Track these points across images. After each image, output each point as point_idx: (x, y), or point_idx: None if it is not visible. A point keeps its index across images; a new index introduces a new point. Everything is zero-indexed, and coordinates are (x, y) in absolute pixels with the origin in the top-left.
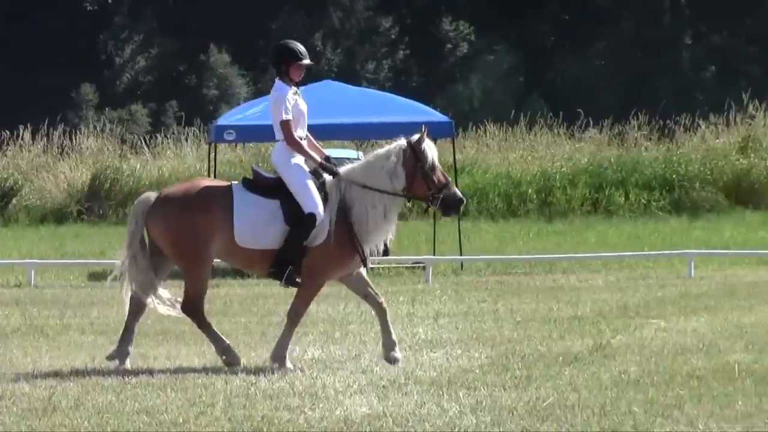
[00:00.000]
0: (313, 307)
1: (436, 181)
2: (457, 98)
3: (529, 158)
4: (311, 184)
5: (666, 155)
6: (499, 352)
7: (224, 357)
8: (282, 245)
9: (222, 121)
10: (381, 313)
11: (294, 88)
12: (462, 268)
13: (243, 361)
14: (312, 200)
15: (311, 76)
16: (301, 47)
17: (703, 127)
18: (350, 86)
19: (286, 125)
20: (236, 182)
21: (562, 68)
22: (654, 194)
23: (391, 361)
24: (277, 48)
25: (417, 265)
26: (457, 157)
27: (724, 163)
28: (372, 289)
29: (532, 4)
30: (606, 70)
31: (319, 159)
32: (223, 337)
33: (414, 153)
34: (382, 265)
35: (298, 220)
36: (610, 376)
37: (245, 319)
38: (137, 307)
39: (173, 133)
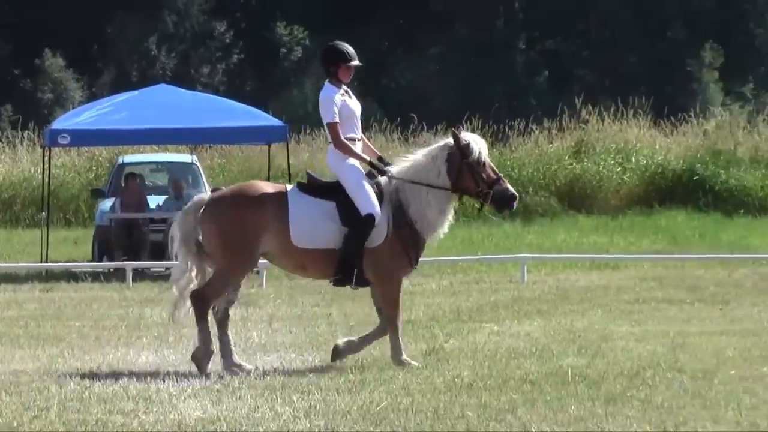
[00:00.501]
0: (147, 311)
1: (485, 177)
2: (291, 103)
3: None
4: (367, 184)
5: (500, 160)
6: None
7: (199, 358)
8: (342, 248)
9: (56, 125)
10: (381, 330)
11: (343, 89)
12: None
13: (77, 366)
14: (369, 200)
15: (146, 79)
16: (349, 48)
17: (536, 131)
18: (184, 90)
19: (332, 127)
20: (290, 185)
21: (396, 73)
22: None
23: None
24: (326, 50)
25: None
26: (291, 161)
27: (557, 168)
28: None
29: (366, 9)
30: (440, 75)
31: (368, 159)
32: (212, 340)
33: (459, 149)
34: None
35: (356, 221)
36: (444, 380)
37: (79, 323)
38: (223, 316)
39: (8, 137)
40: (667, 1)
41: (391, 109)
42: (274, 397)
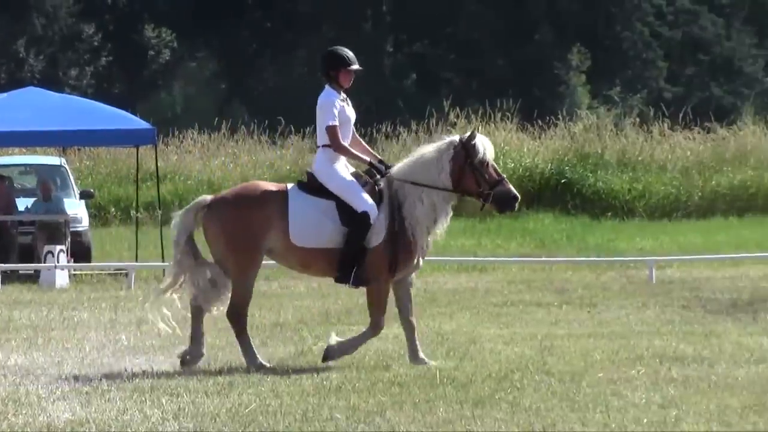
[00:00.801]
0: (15, 313)
1: (487, 177)
2: (159, 105)
3: (231, 165)
4: (356, 183)
5: None
6: (202, 358)
7: (253, 366)
8: (343, 247)
9: None
10: (410, 329)
11: (343, 95)
12: (164, 275)
13: None
14: (361, 199)
15: (14, 82)
16: (349, 53)
17: (404, 134)
18: (53, 93)
19: (332, 130)
20: (291, 184)
21: (264, 75)
22: None
23: (419, 362)
24: (326, 54)
25: (119, 271)
26: (159, 164)
27: None
28: (410, 306)
29: (234, 11)
30: (307, 78)
31: (368, 159)
32: (256, 354)
33: (464, 148)
34: (84, 272)
35: (353, 220)
36: (312, 383)
37: None
38: (198, 311)
39: None
40: (534, 4)
41: (259, 112)
42: (143, 399)
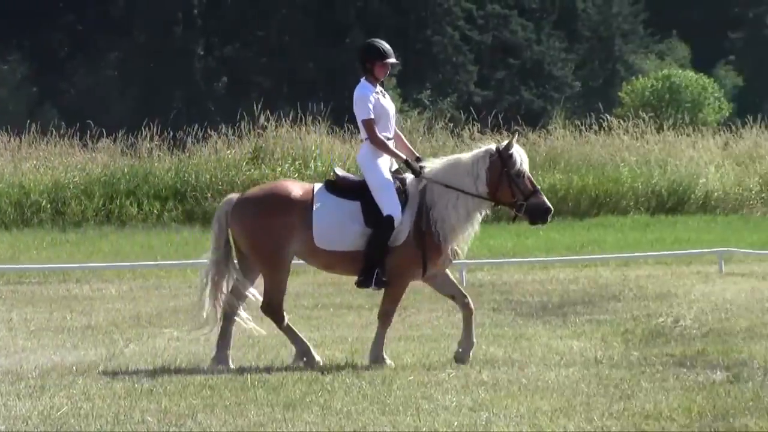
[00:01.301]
0: None
1: (522, 188)
2: None
3: (42, 168)
4: (392, 185)
5: (178, 166)
6: (12, 361)
7: (304, 359)
8: (365, 250)
9: None
10: (467, 313)
11: (379, 88)
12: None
13: None
14: (391, 201)
15: None
16: (386, 46)
17: (215, 137)
18: None
19: (368, 124)
20: (319, 184)
21: (75, 78)
22: (167, 204)
23: (461, 360)
24: (363, 47)
25: None
26: None
27: (235, 173)
28: (459, 289)
29: (47, 14)
30: (119, 81)
31: (404, 157)
32: (303, 339)
33: (501, 158)
34: None
35: (378, 221)
36: (124, 386)
37: None
38: (231, 310)
39: None
40: (345, 7)
41: (70, 115)
42: None
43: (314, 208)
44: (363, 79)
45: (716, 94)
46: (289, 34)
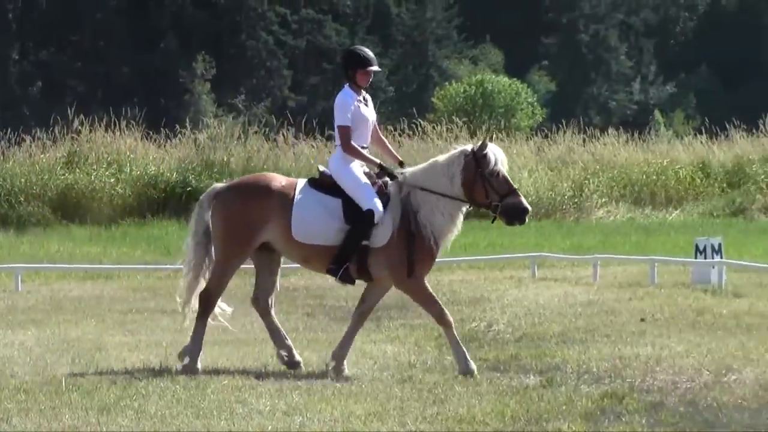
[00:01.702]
0: None
1: (497, 188)
2: None
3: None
4: (366, 182)
5: None
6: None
7: (186, 358)
8: (342, 241)
9: None
10: (355, 324)
11: (362, 96)
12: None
13: None
14: (369, 197)
15: None
16: (368, 54)
17: (29, 141)
18: None
19: (342, 130)
20: (303, 179)
21: None
22: None
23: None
24: (345, 54)
25: None
26: None
27: (49, 178)
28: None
29: None
30: None
31: (378, 162)
32: (201, 344)
33: (475, 158)
34: None
35: (358, 218)
36: None
37: None
38: (264, 307)
39: None
40: (160, 12)
41: None
42: None
43: (295, 200)
44: (346, 86)
45: (529, 100)
46: (104, 38)
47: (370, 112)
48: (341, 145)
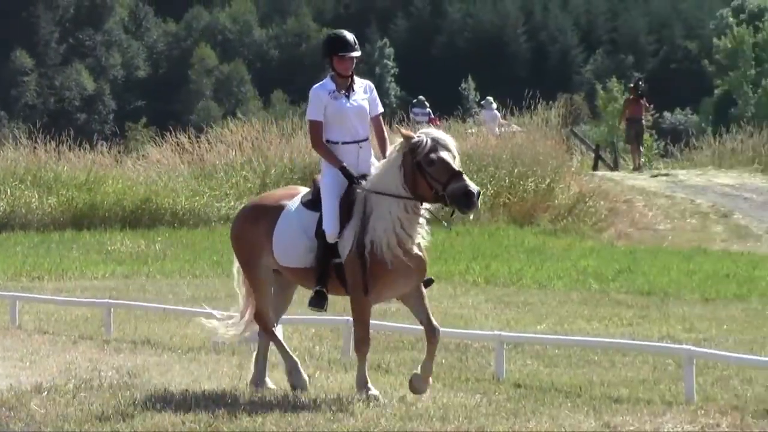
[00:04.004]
0: None
1: (436, 176)
2: None
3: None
4: (333, 195)
5: None
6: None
7: (289, 376)
8: (315, 262)
9: None
10: (430, 346)
11: (341, 90)
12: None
13: None
14: (328, 216)
15: None
16: (347, 37)
17: None
18: None
19: (310, 125)
20: (305, 192)
21: None
22: None
23: (418, 390)
24: (324, 39)
25: None
26: None
27: None
28: (429, 317)
29: None
30: None
31: (340, 163)
32: (291, 355)
33: (410, 148)
34: None
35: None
36: None
37: None
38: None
39: None
40: None
41: None
42: None
43: (278, 222)
44: (328, 77)
45: None
46: None
47: (354, 107)
48: (310, 141)
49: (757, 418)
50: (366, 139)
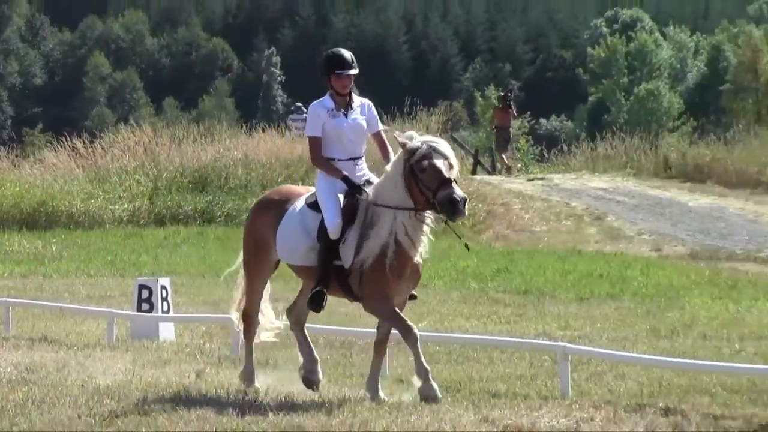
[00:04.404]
0: None
1: (427, 183)
2: None
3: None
4: (334, 198)
5: None
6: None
7: (245, 382)
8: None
9: None
10: (379, 348)
11: (339, 107)
12: None
13: None
14: (330, 212)
15: None
16: (344, 56)
17: None
18: None
19: (309, 141)
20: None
21: None
22: None
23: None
24: (323, 58)
25: None
26: None
27: None
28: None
29: None
30: None
31: (342, 174)
32: (253, 360)
33: (406, 154)
34: None
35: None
36: None
37: None
38: (298, 319)
39: None
40: None
41: None
42: None
43: (283, 218)
44: (328, 94)
45: None
46: None
47: (352, 125)
48: (310, 157)
49: (630, 412)
50: (361, 156)
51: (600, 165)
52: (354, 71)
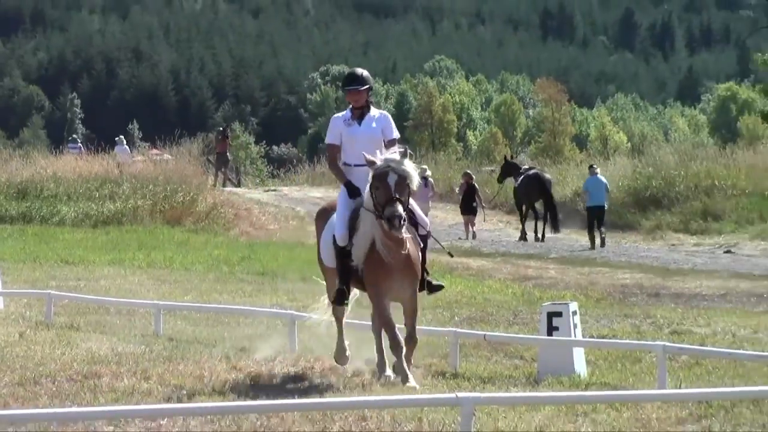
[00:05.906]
0: None
1: (379, 198)
2: None
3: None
4: (345, 208)
5: None
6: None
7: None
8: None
9: None
10: (408, 349)
11: (354, 118)
12: None
13: None
14: (339, 222)
15: None
16: (357, 73)
17: None
18: None
19: (327, 149)
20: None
21: None
22: None
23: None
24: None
25: None
26: None
27: None
28: (412, 323)
29: None
30: None
31: (345, 180)
32: (347, 345)
33: (372, 171)
34: None
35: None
36: None
37: None
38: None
39: None
40: None
41: None
42: None
43: (327, 223)
44: (348, 108)
45: None
46: None
47: (361, 133)
48: (327, 162)
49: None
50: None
51: (318, 180)
52: (364, 86)
